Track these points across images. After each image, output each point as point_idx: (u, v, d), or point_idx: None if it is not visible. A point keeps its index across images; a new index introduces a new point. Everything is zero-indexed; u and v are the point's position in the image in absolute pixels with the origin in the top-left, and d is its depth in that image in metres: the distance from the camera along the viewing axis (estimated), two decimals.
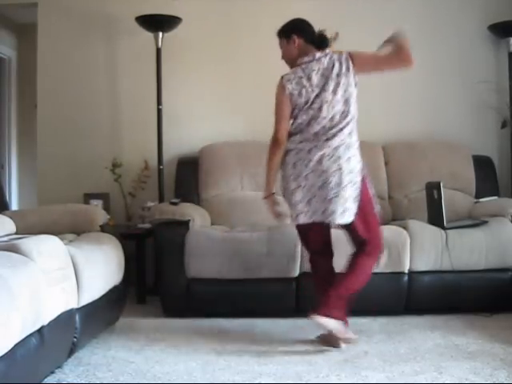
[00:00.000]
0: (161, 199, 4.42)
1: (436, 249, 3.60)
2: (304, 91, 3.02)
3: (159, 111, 4.43)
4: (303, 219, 3.05)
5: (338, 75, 3.02)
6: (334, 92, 3.01)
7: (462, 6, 4.63)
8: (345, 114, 3.04)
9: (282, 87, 3.07)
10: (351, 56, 3.07)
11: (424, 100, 4.63)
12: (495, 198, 4.21)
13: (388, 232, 3.66)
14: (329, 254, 3.21)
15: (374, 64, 3.15)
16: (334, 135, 3.02)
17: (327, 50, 3.10)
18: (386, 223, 3.87)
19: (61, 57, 4.70)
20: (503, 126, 4.54)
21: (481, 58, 4.64)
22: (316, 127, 3.02)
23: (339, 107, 3.02)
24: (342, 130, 3.03)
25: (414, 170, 4.33)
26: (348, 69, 3.04)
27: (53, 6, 4.70)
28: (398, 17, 4.65)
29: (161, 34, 4.36)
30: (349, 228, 3.09)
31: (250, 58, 4.63)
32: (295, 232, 3.62)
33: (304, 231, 3.18)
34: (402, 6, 4.65)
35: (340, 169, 2.99)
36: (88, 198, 4.51)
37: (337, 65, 3.04)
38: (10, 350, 2.01)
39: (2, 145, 6.03)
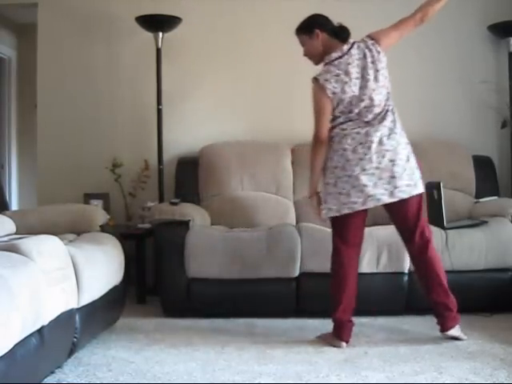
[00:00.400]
0: (161, 199, 4.42)
1: (436, 249, 3.58)
2: (347, 87, 3.00)
3: (159, 111, 4.43)
4: (370, 203, 2.98)
5: (373, 62, 3.03)
6: (376, 79, 3.02)
7: (462, 6, 4.62)
8: (389, 95, 3.08)
9: (321, 88, 3.02)
10: (375, 38, 3.08)
11: (424, 100, 4.63)
12: (495, 198, 4.21)
13: (388, 232, 3.66)
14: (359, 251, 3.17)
15: (398, 37, 3.20)
16: (385, 116, 3.05)
17: (350, 41, 3.09)
18: (385, 223, 3.87)
19: (61, 57, 4.71)
20: (503, 126, 4.54)
21: (481, 58, 4.64)
22: (369, 116, 3.04)
23: (384, 91, 3.05)
24: (389, 110, 3.07)
25: None
26: (379, 52, 3.05)
27: (53, 6, 4.70)
28: (397, 17, 4.64)
29: (161, 34, 4.36)
30: (403, 210, 3.06)
31: (250, 57, 4.63)
32: (295, 232, 3.63)
33: (347, 222, 3.06)
34: (402, 6, 4.64)
35: (400, 144, 3.03)
36: (88, 197, 4.51)
37: (368, 52, 3.04)
38: (9, 350, 2.01)
39: (2, 145, 6.03)
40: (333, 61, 3.05)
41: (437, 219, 3.70)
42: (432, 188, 3.74)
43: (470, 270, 3.63)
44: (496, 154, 4.61)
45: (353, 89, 3.01)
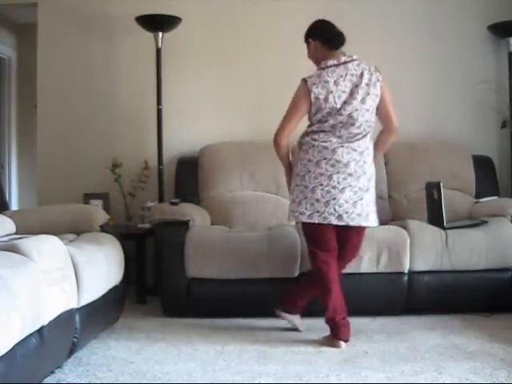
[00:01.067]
0: (161, 199, 4.42)
1: (436, 249, 3.60)
2: (331, 97, 3.01)
3: (159, 111, 4.43)
4: (318, 219, 3.02)
5: (368, 85, 3.04)
6: (363, 101, 3.03)
7: (462, 6, 4.63)
8: (370, 122, 3.08)
9: (306, 90, 3.04)
10: (380, 80, 3.10)
11: (424, 100, 4.64)
12: (495, 198, 4.21)
13: (388, 232, 3.67)
14: (336, 256, 3.15)
15: (381, 113, 3.15)
16: (361, 140, 3.06)
17: (354, 56, 3.10)
18: (385, 223, 3.88)
19: (61, 57, 4.70)
20: (503, 126, 4.54)
21: (481, 58, 4.64)
22: (342, 132, 3.04)
23: (367, 116, 3.05)
24: (366, 136, 3.08)
25: (413, 170, 4.33)
26: (378, 80, 3.07)
27: (53, 6, 4.70)
28: (398, 17, 4.66)
29: (161, 34, 4.36)
30: (353, 234, 3.14)
31: (250, 57, 4.63)
32: (295, 232, 3.63)
33: (315, 231, 3.10)
34: (402, 6, 4.66)
35: (365, 173, 3.04)
36: (88, 197, 4.50)
37: (366, 75, 3.05)
38: (9, 350, 2.01)
39: (2, 145, 6.03)
40: (328, 67, 3.07)
41: (437, 219, 3.70)
42: (432, 188, 3.74)
43: (469, 270, 3.63)
44: (496, 153, 4.61)
45: (336, 100, 3.02)
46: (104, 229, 3.50)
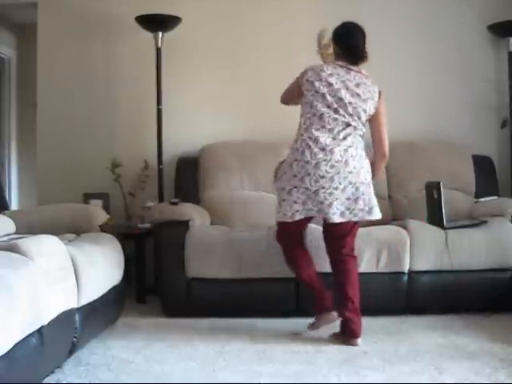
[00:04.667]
0: (161, 199, 4.42)
1: (436, 249, 3.60)
2: (317, 84, 3.06)
3: (159, 111, 4.43)
4: (299, 216, 3.09)
5: (358, 95, 3.05)
6: (345, 107, 3.04)
7: (462, 6, 4.63)
8: (358, 125, 3.08)
9: (303, 72, 3.16)
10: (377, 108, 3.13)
11: (424, 100, 4.64)
12: (495, 197, 4.21)
13: (388, 232, 3.67)
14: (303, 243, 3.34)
15: (373, 132, 3.19)
16: (345, 138, 3.06)
17: (363, 71, 3.14)
18: (385, 223, 3.88)
19: (61, 57, 4.70)
20: (503, 125, 4.54)
21: (481, 58, 4.64)
22: (332, 124, 3.06)
23: (344, 119, 3.05)
24: (351, 135, 3.07)
25: (413, 170, 4.32)
26: (372, 99, 3.09)
27: (53, 6, 4.70)
28: (397, 17, 4.66)
29: (161, 33, 4.36)
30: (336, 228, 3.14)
31: (250, 57, 4.63)
32: None
33: (290, 226, 3.18)
34: (401, 7, 4.66)
35: (338, 173, 3.02)
36: (88, 197, 4.50)
37: (361, 87, 3.08)
38: (9, 350, 2.00)
39: (2, 144, 6.02)
40: (333, 63, 3.17)
41: (437, 219, 3.70)
42: (432, 188, 3.74)
43: (470, 270, 3.63)
44: (496, 153, 4.61)
45: (320, 90, 3.05)
46: (104, 229, 3.50)
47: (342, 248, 3.17)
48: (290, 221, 3.11)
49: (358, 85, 3.07)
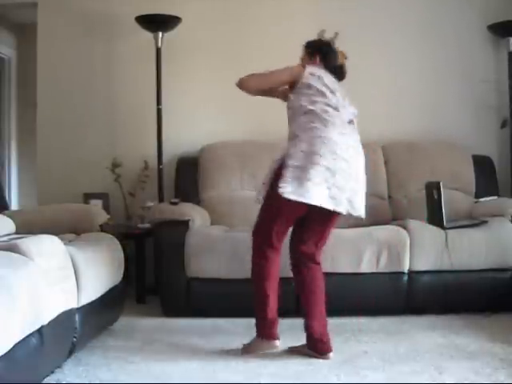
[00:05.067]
0: (161, 199, 4.42)
1: (436, 249, 3.60)
2: (320, 82, 2.98)
3: (159, 111, 4.43)
4: (323, 202, 2.81)
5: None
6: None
7: (462, 6, 4.63)
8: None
9: (300, 66, 3.05)
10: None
11: (424, 100, 4.63)
12: (495, 197, 4.21)
13: (388, 232, 3.67)
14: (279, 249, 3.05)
15: None
16: (352, 132, 2.99)
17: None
18: (385, 223, 3.88)
19: (61, 56, 4.70)
20: (503, 125, 4.54)
21: (481, 58, 4.65)
22: (336, 122, 2.95)
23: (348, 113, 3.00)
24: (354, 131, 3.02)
25: (413, 170, 4.33)
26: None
27: (53, 6, 4.70)
28: (398, 17, 4.66)
29: (161, 33, 4.36)
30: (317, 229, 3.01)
31: (250, 57, 4.62)
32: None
33: (291, 210, 2.96)
34: (402, 6, 4.66)
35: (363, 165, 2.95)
36: (88, 197, 4.50)
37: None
38: (9, 350, 2.00)
39: (2, 144, 6.03)
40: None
41: (437, 219, 3.70)
42: (432, 188, 3.74)
43: (469, 270, 3.63)
44: (496, 153, 4.61)
45: (321, 87, 2.97)
46: (104, 229, 3.50)
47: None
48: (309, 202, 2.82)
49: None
